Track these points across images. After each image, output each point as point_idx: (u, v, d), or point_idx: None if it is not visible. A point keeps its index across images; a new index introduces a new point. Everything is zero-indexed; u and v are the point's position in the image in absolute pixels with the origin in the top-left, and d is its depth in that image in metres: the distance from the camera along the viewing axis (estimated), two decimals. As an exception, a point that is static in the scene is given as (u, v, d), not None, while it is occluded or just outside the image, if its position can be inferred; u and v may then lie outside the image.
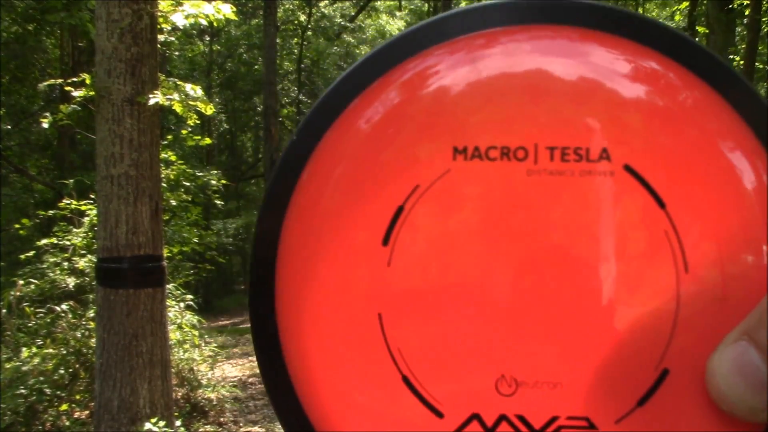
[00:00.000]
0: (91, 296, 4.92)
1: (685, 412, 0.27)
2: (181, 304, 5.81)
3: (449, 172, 0.29)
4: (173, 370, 4.71)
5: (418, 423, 0.29)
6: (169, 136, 8.16)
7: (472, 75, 0.29)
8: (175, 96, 3.70)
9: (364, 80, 0.30)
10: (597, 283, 0.28)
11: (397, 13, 19.58)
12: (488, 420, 0.28)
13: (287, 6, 15.56)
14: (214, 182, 7.18)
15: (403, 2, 19.43)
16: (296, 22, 15.77)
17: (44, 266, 5.17)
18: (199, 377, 5.72)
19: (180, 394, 5.47)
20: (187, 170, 6.31)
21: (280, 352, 0.30)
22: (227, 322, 11.72)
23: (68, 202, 5.42)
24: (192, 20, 3.81)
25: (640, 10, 15.75)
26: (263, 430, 5.33)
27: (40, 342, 4.80)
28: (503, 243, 0.28)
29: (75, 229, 5.34)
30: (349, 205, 0.29)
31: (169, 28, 3.87)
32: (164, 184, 5.36)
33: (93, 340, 4.37)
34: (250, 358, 7.63)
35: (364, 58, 0.30)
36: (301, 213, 0.30)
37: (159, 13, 3.62)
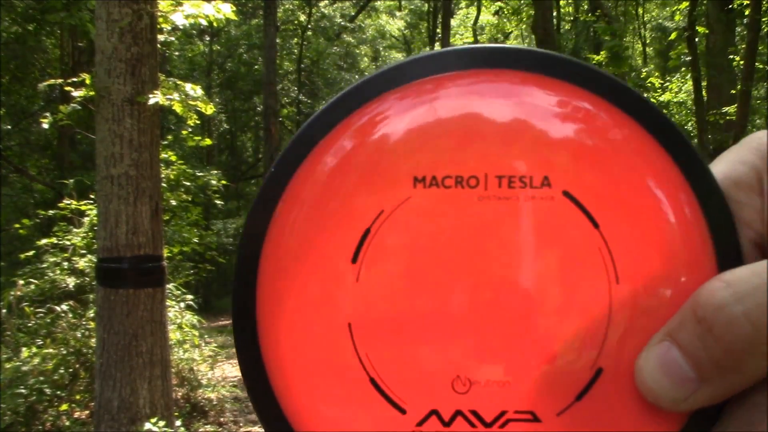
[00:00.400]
0: (91, 296, 4.93)
1: (618, 405, 0.32)
2: (181, 304, 5.81)
3: (410, 199, 0.33)
4: (173, 370, 4.72)
5: (383, 419, 0.33)
6: (169, 136, 8.17)
7: (430, 114, 0.34)
8: (175, 96, 3.71)
9: (336, 116, 0.34)
10: (540, 294, 0.32)
11: (397, 13, 19.60)
12: (445, 415, 0.32)
13: (287, 6, 15.58)
14: (214, 182, 7.19)
15: (403, 2, 19.44)
16: (296, 22, 15.78)
17: (44, 266, 5.17)
18: (199, 377, 5.73)
19: (180, 394, 5.48)
20: (187, 170, 6.32)
21: (258, 351, 0.34)
22: (227, 322, 11.72)
23: (68, 202, 5.43)
24: (192, 20, 3.82)
25: (640, 10, 15.76)
26: (263, 430, 5.33)
27: (40, 342, 4.81)
28: (457, 260, 0.33)
29: (75, 229, 5.35)
30: (323, 226, 0.33)
31: (169, 28, 3.88)
32: (164, 184, 5.37)
33: (93, 340, 4.38)
34: (250, 358, 7.61)
35: (338, 97, 0.35)
36: (284, 222, 0.34)
37: (159, 13, 3.63)
